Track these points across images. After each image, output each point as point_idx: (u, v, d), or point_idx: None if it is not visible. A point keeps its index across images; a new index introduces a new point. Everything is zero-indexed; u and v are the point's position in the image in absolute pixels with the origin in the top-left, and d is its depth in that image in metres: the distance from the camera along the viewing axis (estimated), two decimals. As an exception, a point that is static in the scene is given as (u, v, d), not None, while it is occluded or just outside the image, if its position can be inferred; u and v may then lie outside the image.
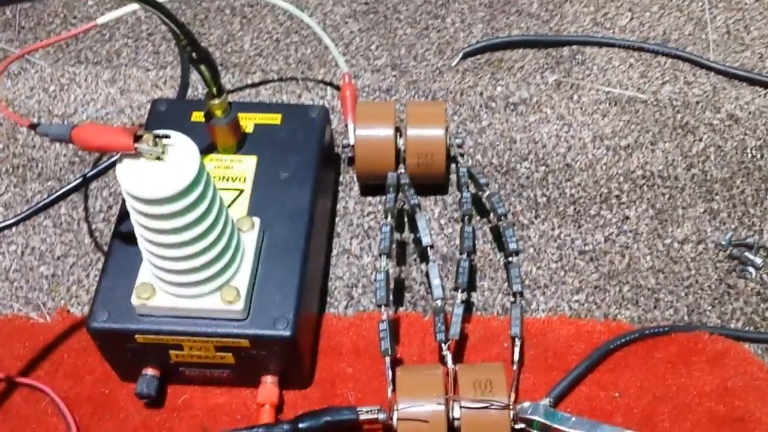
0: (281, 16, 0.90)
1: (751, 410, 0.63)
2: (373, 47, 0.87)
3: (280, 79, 0.85)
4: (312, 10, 0.91)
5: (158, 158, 0.51)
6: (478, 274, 0.71)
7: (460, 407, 0.57)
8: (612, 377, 0.65)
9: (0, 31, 0.90)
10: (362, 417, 0.58)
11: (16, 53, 0.64)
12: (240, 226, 0.60)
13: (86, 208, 0.75)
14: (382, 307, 0.61)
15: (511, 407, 0.57)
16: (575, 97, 0.82)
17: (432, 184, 0.75)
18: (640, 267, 0.71)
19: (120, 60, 0.87)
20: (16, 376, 0.65)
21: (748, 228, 0.73)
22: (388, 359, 0.60)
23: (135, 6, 0.66)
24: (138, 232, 0.55)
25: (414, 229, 0.70)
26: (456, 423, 0.57)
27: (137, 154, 0.50)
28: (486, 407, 0.56)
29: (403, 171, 0.72)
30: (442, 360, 0.61)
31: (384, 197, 0.69)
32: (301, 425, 0.58)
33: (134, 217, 0.53)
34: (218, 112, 0.63)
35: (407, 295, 0.70)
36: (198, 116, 0.68)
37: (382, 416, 0.58)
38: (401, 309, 0.69)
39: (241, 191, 0.64)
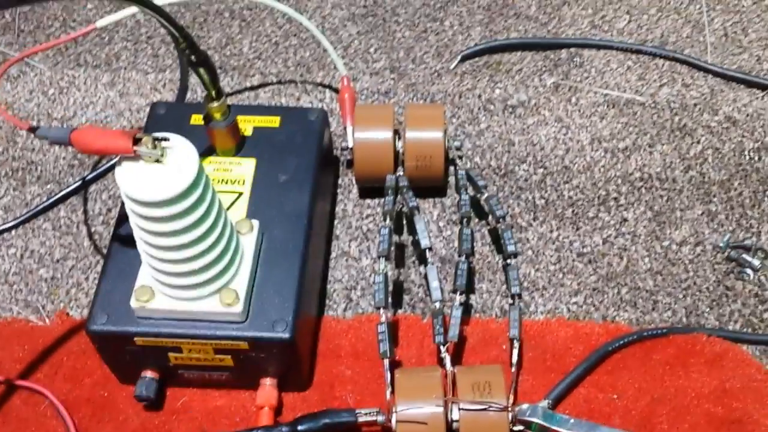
0: (280, 19, 0.90)
1: (749, 412, 0.63)
2: (371, 50, 0.87)
3: (279, 82, 0.85)
4: (311, 13, 0.91)
5: (157, 161, 0.51)
6: (477, 277, 0.71)
7: (459, 409, 0.57)
8: (610, 379, 0.65)
9: (-1, 35, 0.90)
10: (361, 419, 0.58)
11: (16, 56, 0.64)
12: (239, 229, 0.60)
13: (85, 211, 0.75)
14: (381, 309, 0.62)
15: (509, 409, 0.57)
16: (573, 100, 0.82)
17: (430, 187, 0.75)
18: (638, 269, 0.71)
19: (119, 63, 0.87)
20: (16, 379, 0.65)
21: (746, 230, 0.73)
22: (386, 361, 0.60)
23: (134, 9, 0.66)
24: (137, 234, 0.55)
25: (413, 231, 0.71)
26: (455, 425, 0.57)
27: (136, 157, 0.51)
28: (485, 409, 0.56)
29: (401, 173, 0.72)
30: (441, 362, 0.61)
31: (383, 200, 0.69)
32: (300, 427, 0.58)
33: (133, 220, 0.53)
34: (217, 115, 0.63)
35: (406, 298, 0.70)
36: (197, 119, 0.68)
37: (380, 418, 0.58)
38: (400, 311, 0.69)
39: (240, 194, 0.64)
